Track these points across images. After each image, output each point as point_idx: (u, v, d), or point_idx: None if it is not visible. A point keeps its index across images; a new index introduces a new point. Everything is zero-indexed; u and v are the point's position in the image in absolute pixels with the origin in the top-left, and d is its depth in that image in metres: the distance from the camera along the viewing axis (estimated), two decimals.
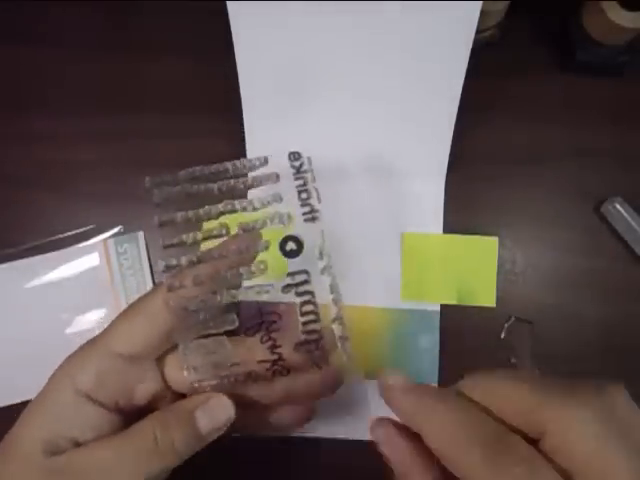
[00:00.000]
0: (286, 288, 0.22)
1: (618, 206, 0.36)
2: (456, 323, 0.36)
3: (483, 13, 0.31)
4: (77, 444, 0.23)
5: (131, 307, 0.25)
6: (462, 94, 0.34)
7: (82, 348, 0.25)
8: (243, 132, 0.37)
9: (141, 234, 0.37)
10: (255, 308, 0.24)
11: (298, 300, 0.22)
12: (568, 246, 0.37)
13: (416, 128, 0.36)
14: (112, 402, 0.24)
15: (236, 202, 0.23)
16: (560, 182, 0.38)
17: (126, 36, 0.40)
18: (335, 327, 0.22)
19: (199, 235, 0.23)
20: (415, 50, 0.33)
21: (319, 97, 0.36)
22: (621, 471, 0.16)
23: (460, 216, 0.37)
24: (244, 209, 0.23)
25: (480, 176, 0.38)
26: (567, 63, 0.39)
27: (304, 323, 0.22)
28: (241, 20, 0.32)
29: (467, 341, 0.36)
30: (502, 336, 0.36)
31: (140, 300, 0.25)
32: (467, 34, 0.32)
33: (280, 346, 0.23)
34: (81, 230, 0.37)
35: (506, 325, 0.36)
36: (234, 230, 0.23)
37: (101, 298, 0.36)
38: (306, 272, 0.23)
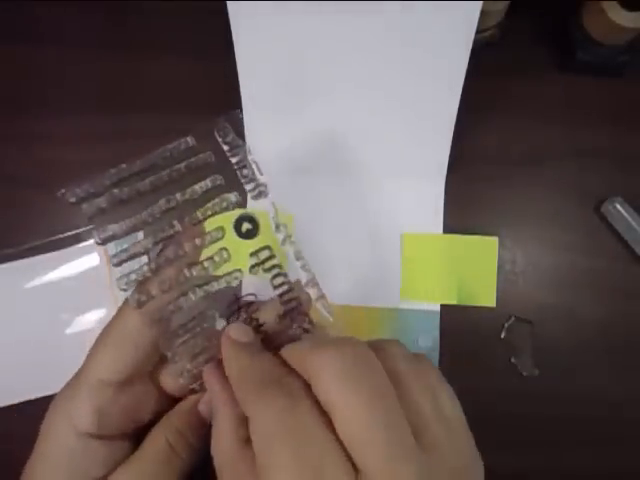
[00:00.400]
0: (253, 268, 0.23)
1: (618, 206, 0.36)
2: (456, 323, 0.36)
3: (483, 13, 0.31)
4: None
5: (107, 332, 0.24)
6: (462, 94, 0.34)
7: (71, 386, 0.24)
8: (243, 132, 0.37)
9: (141, 234, 0.37)
10: (230, 295, 0.24)
11: (267, 276, 0.23)
12: (568, 246, 0.37)
13: (416, 128, 0.36)
14: (117, 431, 0.24)
15: (177, 195, 0.22)
16: (560, 182, 0.38)
17: (126, 36, 0.40)
18: (310, 290, 0.22)
19: (150, 241, 0.22)
20: (415, 50, 0.33)
21: (319, 97, 0.36)
22: (347, 406, 0.18)
23: (460, 216, 0.37)
24: (186, 202, 0.22)
25: (480, 176, 0.38)
26: (567, 63, 0.39)
27: (280, 295, 0.23)
28: (241, 20, 0.32)
29: (467, 341, 0.36)
30: (502, 336, 0.36)
31: (114, 322, 0.24)
32: (467, 34, 0.32)
33: (263, 324, 0.23)
34: (81, 230, 0.37)
35: (506, 325, 0.36)
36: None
37: (101, 298, 0.36)
38: (268, 247, 0.23)
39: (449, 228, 0.37)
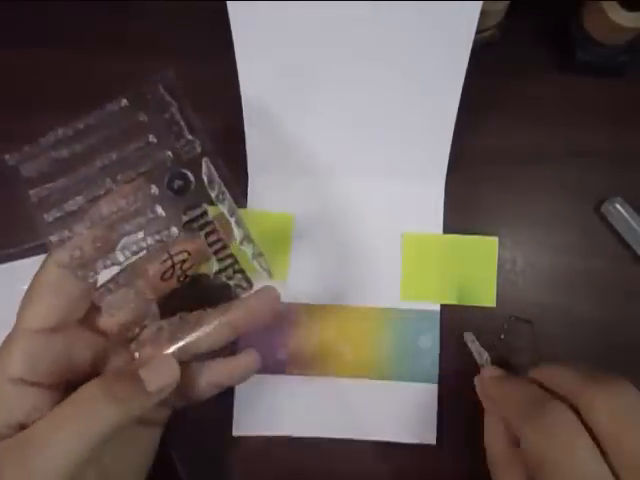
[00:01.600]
0: (186, 225, 0.23)
1: (618, 206, 0.36)
2: (456, 323, 0.36)
3: (483, 13, 0.31)
4: (24, 427, 0.23)
5: (32, 284, 0.25)
6: (462, 94, 0.34)
7: (5, 339, 0.25)
8: (243, 132, 0.37)
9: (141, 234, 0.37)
10: (164, 252, 0.24)
11: (201, 233, 0.23)
12: (568, 246, 0.37)
13: (416, 128, 0.36)
14: (50, 379, 0.24)
15: (112, 155, 0.23)
16: (560, 182, 0.38)
17: (126, 36, 0.40)
18: (245, 247, 0.23)
19: (83, 199, 0.23)
20: (415, 50, 0.33)
21: (319, 97, 0.36)
22: (627, 439, 0.21)
23: (460, 216, 0.37)
24: (121, 161, 0.23)
25: (480, 176, 0.38)
26: (567, 63, 0.39)
27: (214, 252, 0.23)
28: (241, 20, 0.32)
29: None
30: (502, 336, 0.36)
31: (38, 274, 0.25)
32: (467, 34, 0.32)
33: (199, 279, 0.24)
34: None
35: (506, 325, 0.36)
36: None
37: None
38: (200, 205, 0.23)
39: (449, 228, 0.37)
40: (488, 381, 0.30)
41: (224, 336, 0.26)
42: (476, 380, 0.32)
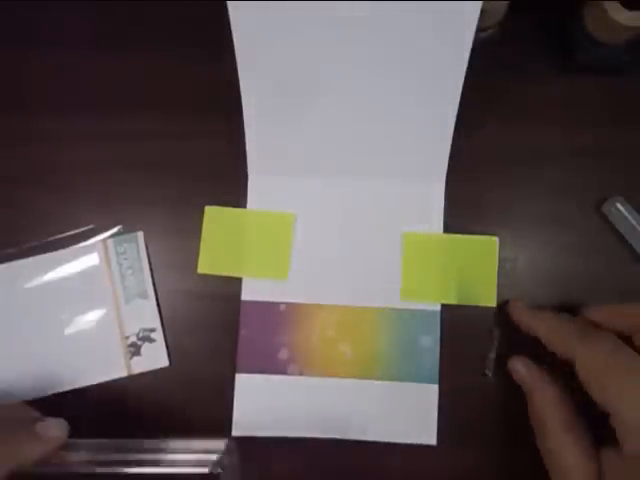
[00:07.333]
0: None
1: (619, 206, 0.36)
2: (456, 323, 0.36)
3: (483, 13, 0.31)
4: None
5: None
6: (462, 94, 0.34)
7: None
8: (243, 132, 0.37)
9: (140, 234, 0.37)
10: None
11: None
12: (569, 246, 0.37)
13: (416, 128, 0.36)
14: None
15: None
16: (560, 182, 0.38)
17: (126, 36, 0.40)
18: None
19: None
20: (415, 50, 0.33)
21: (319, 97, 0.36)
22: None
23: (460, 216, 0.37)
24: None
25: (480, 176, 0.38)
26: (567, 63, 0.39)
27: None
28: (241, 20, 0.32)
29: (468, 341, 0.36)
30: (503, 336, 0.36)
31: None
32: (467, 34, 0.32)
33: None
34: (81, 230, 0.37)
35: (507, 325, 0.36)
36: None
37: (100, 298, 0.36)
38: None
39: (449, 228, 0.37)
40: (539, 315, 0.32)
41: None
42: (518, 310, 0.34)
